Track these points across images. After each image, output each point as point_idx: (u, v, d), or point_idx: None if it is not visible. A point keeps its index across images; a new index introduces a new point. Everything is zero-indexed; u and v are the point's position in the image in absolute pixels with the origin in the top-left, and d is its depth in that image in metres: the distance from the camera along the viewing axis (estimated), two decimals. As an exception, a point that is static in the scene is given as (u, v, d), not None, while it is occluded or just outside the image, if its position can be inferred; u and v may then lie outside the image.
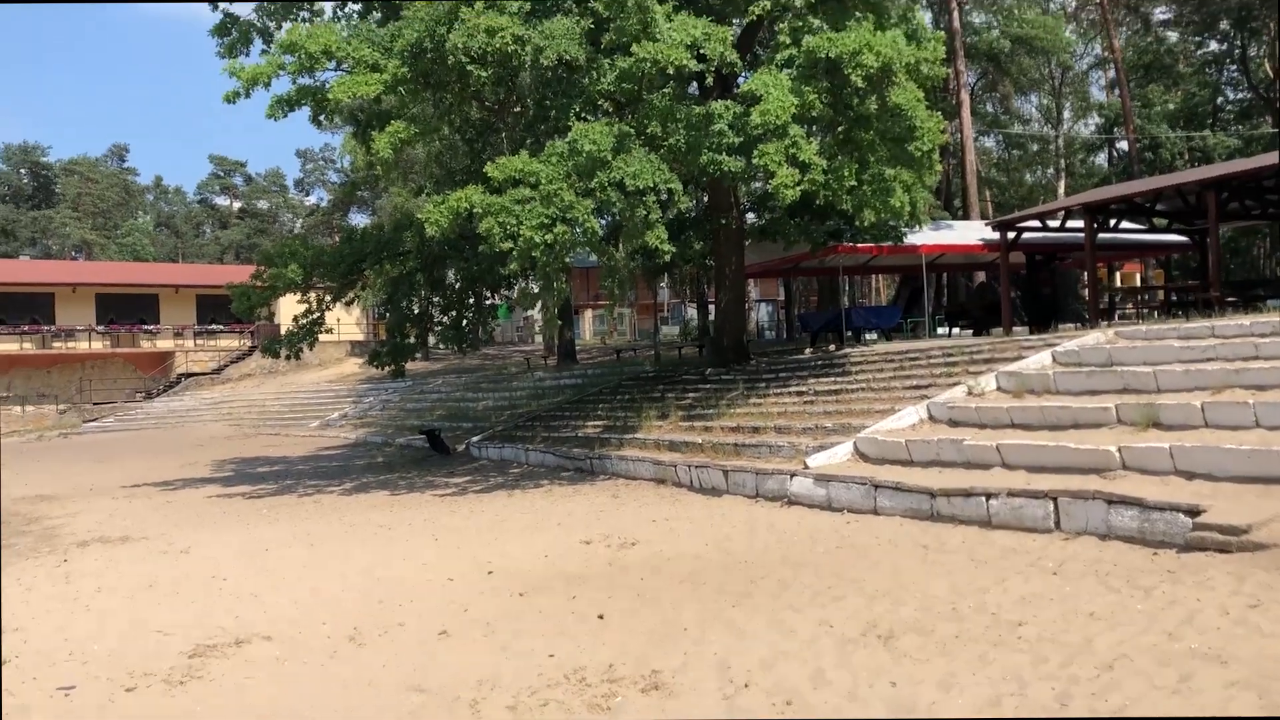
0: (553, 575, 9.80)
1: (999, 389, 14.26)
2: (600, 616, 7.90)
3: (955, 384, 14.87)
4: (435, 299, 23.55)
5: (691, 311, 53.49)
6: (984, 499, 10.42)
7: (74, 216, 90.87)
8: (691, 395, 20.76)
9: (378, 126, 17.85)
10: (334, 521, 15.04)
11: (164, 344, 50.47)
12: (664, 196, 16.09)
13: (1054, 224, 22.78)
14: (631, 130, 16.16)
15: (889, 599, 7.67)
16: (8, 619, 9.30)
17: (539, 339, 56.08)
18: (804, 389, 18.22)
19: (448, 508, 15.84)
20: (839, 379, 18.29)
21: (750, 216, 26.07)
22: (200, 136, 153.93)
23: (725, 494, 14.52)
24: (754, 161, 15.69)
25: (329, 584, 10.08)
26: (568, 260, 16.37)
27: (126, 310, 49.98)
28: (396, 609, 8.71)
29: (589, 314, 60.71)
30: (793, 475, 13.36)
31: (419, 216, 17.15)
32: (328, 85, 17.40)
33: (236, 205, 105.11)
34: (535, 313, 56.37)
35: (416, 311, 23.64)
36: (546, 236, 15.05)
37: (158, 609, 9.35)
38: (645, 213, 15.44)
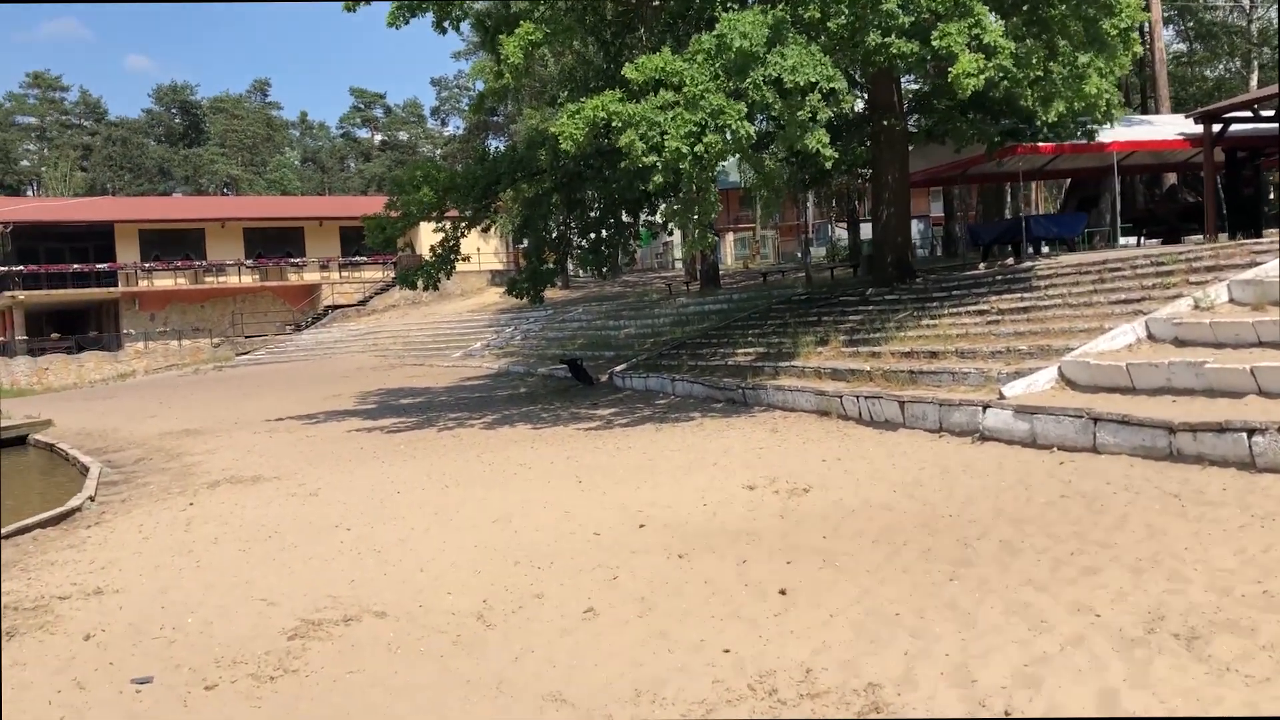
0: (715, 530, 8.33)
1: (1232, 301, 12.01)
2: (782, 592, 6.37)
3: (1176, 296, 12.66)
4: (573, 221, 22.22)
5: (840, 231, 50.95)
6: (1244, 435, 8.40)
7: (222, 153, 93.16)
8: (852, 318, 18.90)
9: (507, 31, 16.34)
10: (472, 460, 13.95)
11: (310, 277, 50.92)
12: (825, 95, 14.12)
13: (1268, 113, 19.79)
14: (786, 17, 14.21)
15: (1163, 573, 5.89)
16: (118, 575, 8.43)
17: (679, 265, 54.48)
18: (985, 307, 16.16)
19: (592, 444, 14.57)
20: (1026, 295, 16.14)
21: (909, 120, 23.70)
22: (341, 69, 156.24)
23: (901, 428, 12.77)
24: (934, 43, 13.57)
25: (460, 537, 8.87)
26: (722, 169, 14.64)
27: (273, 244, 50.55)
28: (534, 573, 7.39)
29: (729, 237, 58.60)
30: (985, 407, 11.51)
31: (552, 130, 15.68)
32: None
33: (378, 138, 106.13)
34: (675, 237, 54.84)
35: (554, 235, 22.35)
36: (695, 147, 13.39)
37: (270, 567, 8.30)
38: (809, 112, 13.52)
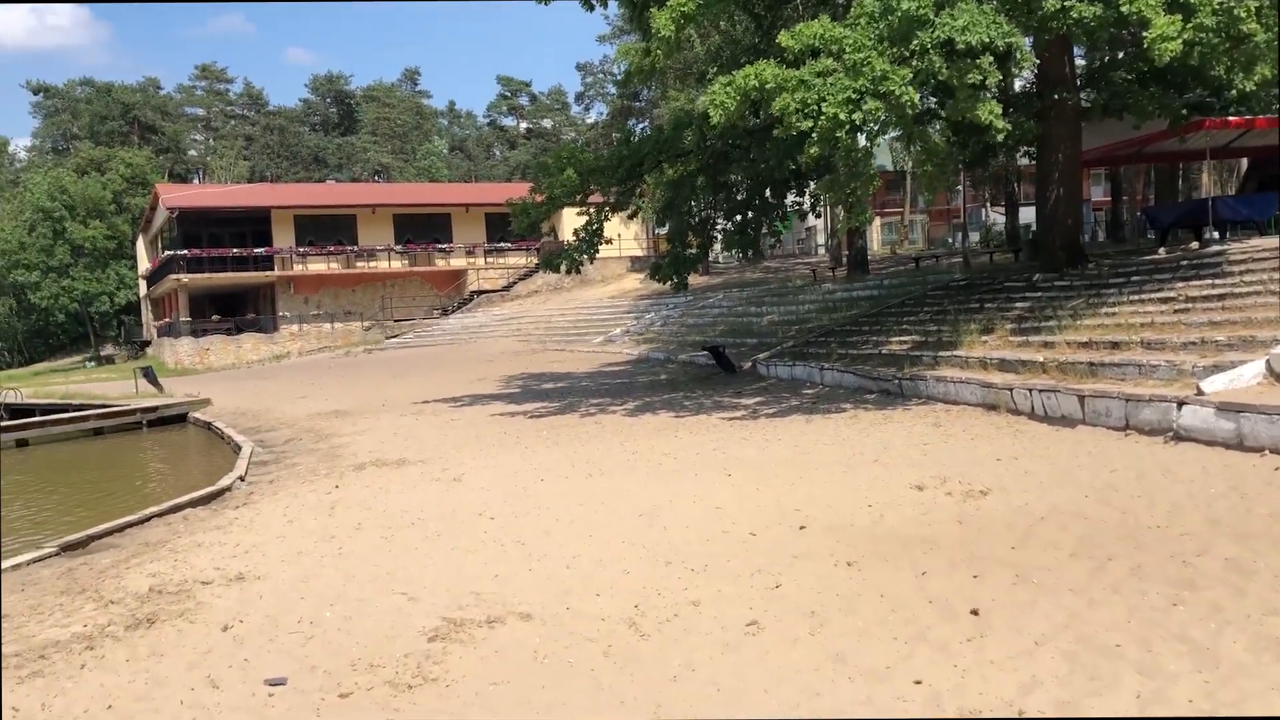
0: (885, 534, 7.59)
1: None
2: (974, 612, 5.61)
3: (1406, 285, 11.24)
4: (717, 203, 21.56)
5: (995, 215, 48.80)
6: None
7: (373, 141, 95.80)
8: (1019, 305, 17.69)
9: (657, 4, 15.77)
10: (615, 447, 13.50)
11: (457, 262, 51.62)
12: (998, 58, 13.05)
13: None
14: (955, -19, 13.20)
15: None
16: (261, 560, 8.23)
17: (823, 250, 53.20)
18: (1171, 295, 14.81)
19: (739, 434, 13.92)
20: (1219, 281, 14.70)
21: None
22: (489, 58, 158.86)
23: (1080, 424, 11.71)
24: (1122, 7, 12.37)
25: (607, 532, 8.36)
26: (878, 143, 13.77)
27: (421, 230, 51.41)
28: (688, 576, 6.81)
29: (876, 222, 56.93)
30: (1181, 403, 10.38)
31: (702, 101, 15.07)
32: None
33: (523, 126, 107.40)
34: (819, 223, 53.50)
35: (697, 218, 21.74)
36: (854, 114, 12.55)
37: (412, 558, 7.96)
38: (979, 77, 12.51)
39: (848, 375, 18.00)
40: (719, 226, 22.37)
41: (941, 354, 16.29)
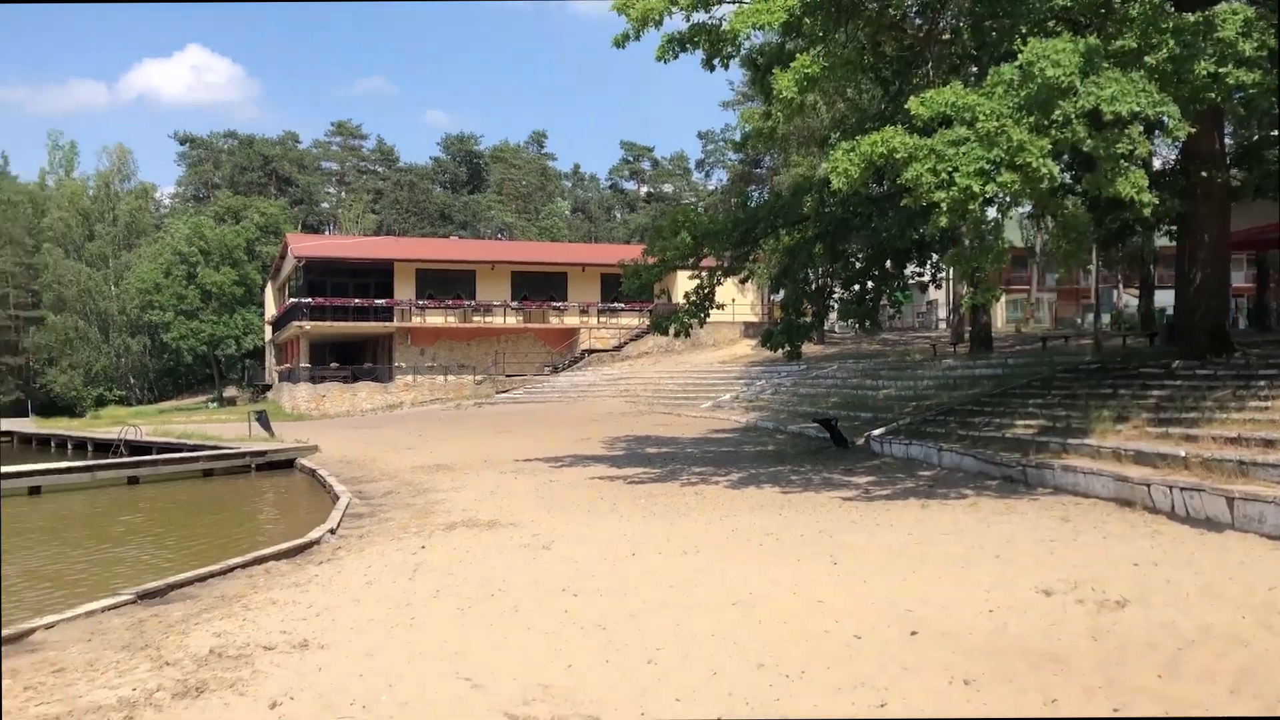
0: (1007, 647, 6.73)
1: None
2: (1118, 761, 4.79)
3: None
4: (835, 271, 20.86)
5: (1128, 297, 46.74)
6: None
7: (498, 200, 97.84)
8: (1156, 393, 16.47)
9: (781, 66, 15.33)
10: (714, 522, 12.82)
11: (570, 320, 51.80)
12: (1148, 128, 12.18)
13: None
14: (1100, 47, 12.41)
15: None
16: (330, 626, 7.79)
17: (943, 325, 51.72)
18: (1333, 390, 13.52)
19: (848, 516, 13.09)
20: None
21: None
22: (613, 122, 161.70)
23: (1229, 529, 10.59)
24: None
25: (696, 622, 7.68)
26: (1011, 217, 12.94)
27: (538, 288, 51.85)
28: (781, 685, 6.08)
29: (1001, 299, 55.18)
30: (1352, 515, 9.23)
31: (824, 166, 14.50)
32: (724, 21, 15.19)
33: (644, 190, 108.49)
34: (940, 296, 52.09)
35: (813, 286, 21.07)
36: (987, 186, 11.81)
37: (485, 636, 7.41)
38: (1130, 146, 11.63)
39: (967, 458, 16.97)
40: (835, 295, 21.68)
41: (1070, 441, 15.19)
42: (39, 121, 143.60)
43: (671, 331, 20.19)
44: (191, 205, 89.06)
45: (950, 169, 12.11)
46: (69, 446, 34.48)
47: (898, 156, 12.66)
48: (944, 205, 12.19)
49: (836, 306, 21.14)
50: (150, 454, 26.62)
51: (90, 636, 7.93)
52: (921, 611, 7.74)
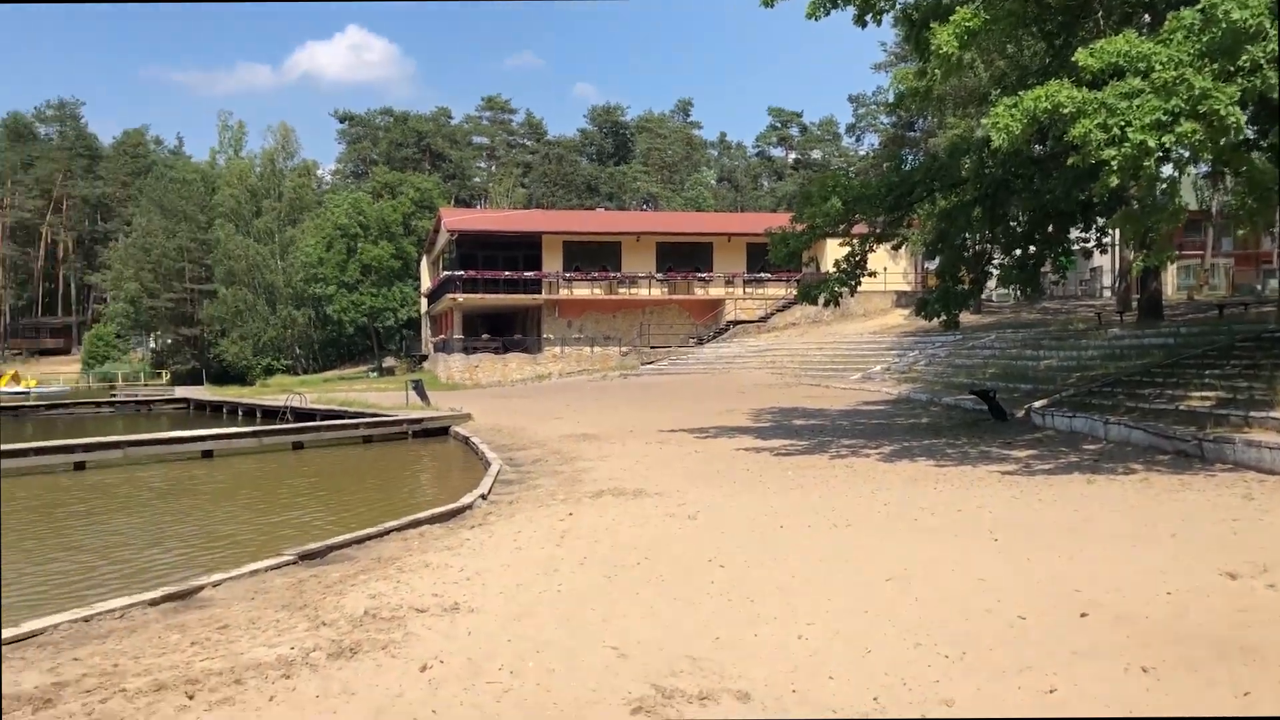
0: (1190, 633, 6.24)
1: None
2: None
3: None
4: (995, 236, 19.98)
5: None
6: None
7: (644, 170, 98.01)
8: (1353, 363, 15.22)
9: (938, 20, 14.66)
10: (865, 495, 12.45)
11: (715, 291, 51.49)
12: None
13: None
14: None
15: None
16: (480, 590, 7.85)
17: (1108, 293, 49.27)
18: None
19: (1008, 491, 12.52)
20: None
21: None
22: (761, 89, 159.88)
23: None
24: None
25: (848, 597, 7.42)
26: (1188, 174, 12.05)
27: (683, 259, 51.68)
28: (941, 665, 5.78)
29: (1171, 266, 52.24)
30: None
31: (983, 124, 13.81)
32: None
33: (791, 156, 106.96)
34: (1104, 262, 49.63)
35: (971, 252, 20.24)
36: (1163, 138, 11.02)
37: (631, 604, 7.33)
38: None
39: (1137, 431, 16.05)
40: (995, 261, 20.80)
41: (1254, 414, 14.17)
42: (210, 103, 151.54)
43: (821, 300, 19.74)
44: (351, 181, 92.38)
45: (1122, 123, 11.36)
46: (239, 413, 36.26)
47: (1064, 111, 11.95)
48: (1114, 163, 11.46)
49: (996, 273, 20.29)
50: (314, 421, 27.71)
51: (253, 595, 8.21)
52: (1091, 592, 7.28)
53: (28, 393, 58.84)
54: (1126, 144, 11.14)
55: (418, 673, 5.79)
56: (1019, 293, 21.06)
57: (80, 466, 19.92)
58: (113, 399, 47.73)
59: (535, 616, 7.06)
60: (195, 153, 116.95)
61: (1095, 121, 11.41)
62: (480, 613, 7.19)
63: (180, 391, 52.37)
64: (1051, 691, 5.29)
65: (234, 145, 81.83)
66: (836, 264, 19.82)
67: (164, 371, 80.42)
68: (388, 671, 5.82)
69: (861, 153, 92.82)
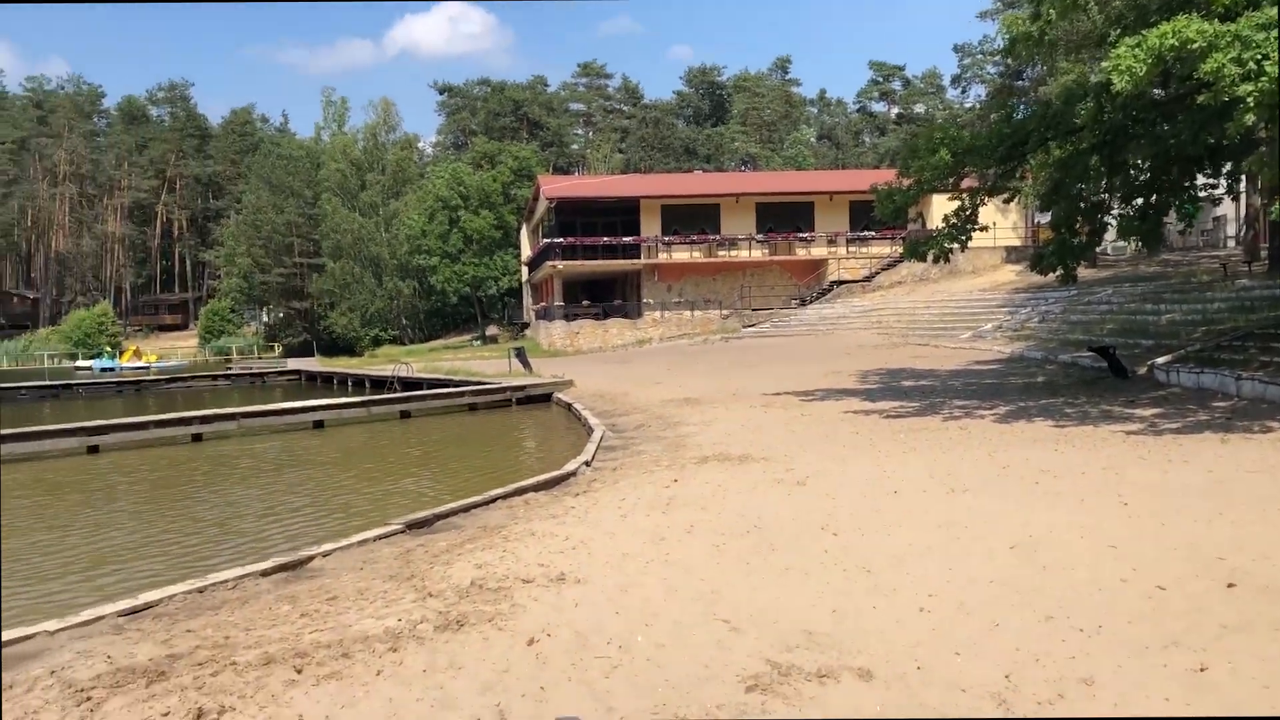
0: (1352, 607, 5.75)
1: None
2: None
3: None
4: (1113, 185, 19.01)
5: None
6: None
7: (741, 131, 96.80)
8: None
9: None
10: (982, 458, 11.97)
11: (817, 251, 50.61)
12: None
13: None
14: None
15: None
16: (586, 559, 7.71)
17: (1232, 243, 46.85)
18: None
19: (1134, 451, 11.91)
20: None
21: None
22: (861, 42, 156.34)
23: None
24: None
25: (970, 566, 7.06)
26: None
27: (784, 219, 50.88)
28: (1076, 640, 5.41)
29: (1302, 211, 49.30)
30: None
31: (1103, 67, 13.05)
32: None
33: (894, 111, 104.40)
34: (1229, 210, 47.17)
35: (1088, 203, 19.29)
36: (1305, 70, 10.20)
37: (741, 574, 7.10)
38: None
39: (1273, 387, 15.15)
40: (1113, 212, 19.81)
41: (1406, 367, 13.22)
42: (313, 80, 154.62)
43: (930, 256, 19.10)
44: (451, 153, 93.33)
45: (1259, 56, 10.57)
46: (349, 384, 37.04)
47: (1193, 47, 11.18)
48: (1250, 100, 10.66)
49: (1116, 224, 19.33)
50: (420, 390, 28.10)
51: (362, 565, 8.22)
52: (1235, 560, 6.79)
53: (148, 367, 61.28)
54: (1264, 78, 10.36)
55: (525, 646, 5.66)
56: (1137, 245, 19.99)
57: (198, 438, 20.52)
58: (228, 372, 49.29)
59: (643, 587, 6.88)
60: (300, 129, 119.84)
61: (1229, 56, 10.64)
62: (586, 583, 7.05)
63: (292, 364, 53.84)
64: (1202, 670, 4.89)
65: (337, 121, 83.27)
66: (945, 218, 19.13)
67: (276, 344, 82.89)
68: (494, 645, 5.71)
69: (967, 105, 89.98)
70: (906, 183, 18.75)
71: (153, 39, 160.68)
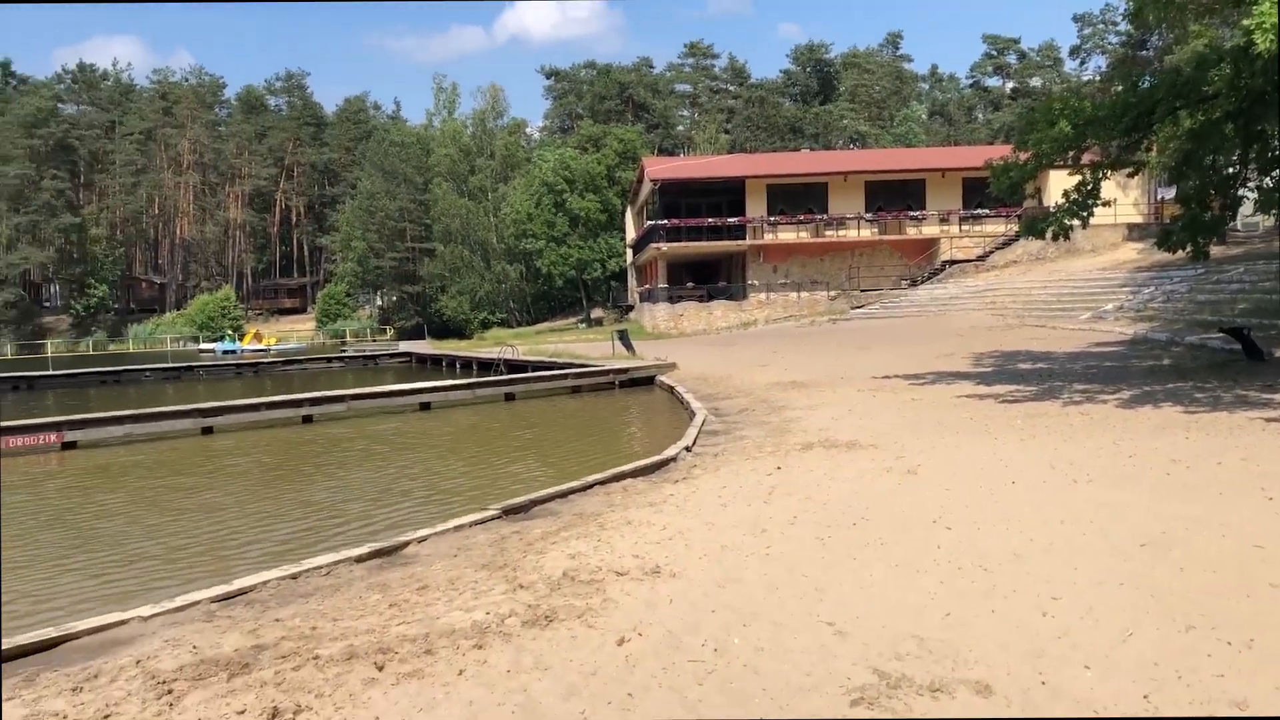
0: None
1: None
2: None
3: None
4: (1248, 156, 17.82)
5: None
6: None
7: (850, 109, 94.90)
8: None
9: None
10: (1106, 446, 11.27)
11: (928, 230, 49.25)
12: None
13: None
14: None
15: None
16: (683, 551, 7.41)
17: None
18: None
19: (1275, 440, 11.06)
20: None
21: None
22: (975, 16, 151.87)
23: None
24: None
25: (1096, 565, 6.52)
26: None
27: (893, 198, 49.62)
28: (1224, 654, 4.88)
29: None
30: None
31: (1243, 24, 12.12)
32: None
33: (1008, 85, 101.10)
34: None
35: (1221, 175, 18.14)
36: None
37: (847, 571, 6.69)
38: None
39: None
40: (1249, 184, 18.60)
41: None
42: (425, 67, 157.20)
43: (1049, 234, 18.20)
44: (558, 137, 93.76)
45: None
46: (456, 366, 37.45)
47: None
48: None
49: (1256, 197, 18.14)
50: (525, 372, 28.17)
51: (456, 552, 8.06)
52: (1403, 566, 6.12)
53: (267, 350, 63.21)
54: None
55: (614, 646, 5.38)
56: (1276, 218, 18.76)
57: (308, 420, 20.86)
58: (342, 354, 50.41)
59: (742, 583, 6.53)
60: (412, 116, 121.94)
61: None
62: (682, 577, 6.74)
63: (403, 346, 54.83)
64: (1373, 700, 4.34)
65: (448, 107, 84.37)
66: (1065, 194, 18.21)
67: (389, 327, 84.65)
68: (583, 644, 5.44)
69: (1085, 77, 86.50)
70: (1024, 157, 17.90)
71: (273, 31, 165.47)
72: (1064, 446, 11.43)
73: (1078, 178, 18.04)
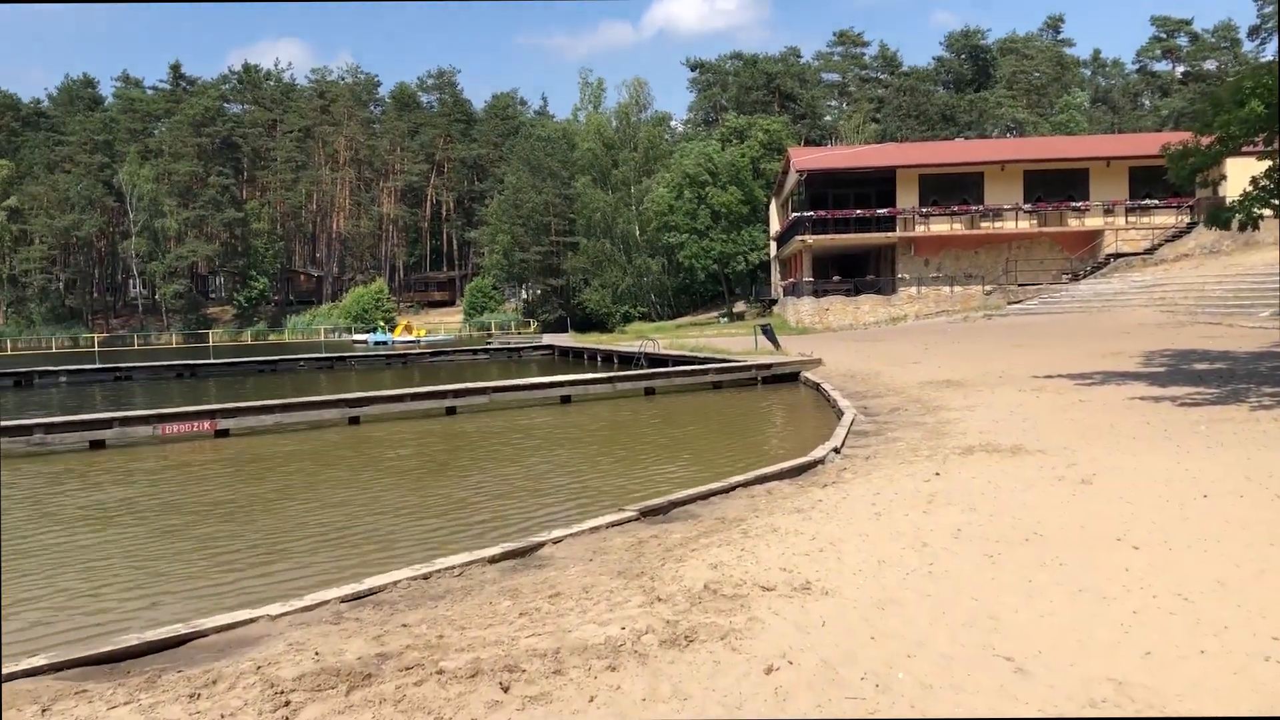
0: None
1: None
2: None
3: None
4: None
5: None
6: None
7: (1008, 96, 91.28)
8: None
9: None
10: (1309, 457, 10.10)
11: (1092, 222, 46.69)
12: None
13: None
14: None
15: None
16: (835, 565, 6.81)
17: None
18: None
19: None
20: None
21: None
22: None
23: None
24: None
25: (1322, 600, 5.64)
26: None
27: (1054, 188, 47.23)
28: None
29: None
30: None
31: None
32: None
33: (1179, 70, 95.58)
34: None
35: None
36: None
37: (1023, 595, 5.96)
38: None
39: None
40: None
41: None
42: (574, 63, 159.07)
43: (1235, 224, 16.72)
44: (702, 129, 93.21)
45: None
46: (597, 359, 37.42)
47: None
48: None
49: None
50: (665, 366, 27.79)
51: (591, 556, 7.65)
52: None
53: (417, 341, 64.85)
54: None
55: (762, 675, 4.83)
56: None
57: (451, 411, 20.95)
58: (487, 346, 51.15)
59: (902, 605, 5.89)
60: (559, 111, 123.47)
61: None
62: (835, 596, 6.13)
63: (546, 339, 55.33)
64: None
65: (593, 101, 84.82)
66: (1254, 180, 16.69)
67: (533, 320, 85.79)
68: (727, 671, 4.91)
69: (1265, 58, 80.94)
70: (1206, 141, 16.48)
71: (425, 30, 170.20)
72: (1259, 455, 10.31)
73: (1266, 163, 16.53)
